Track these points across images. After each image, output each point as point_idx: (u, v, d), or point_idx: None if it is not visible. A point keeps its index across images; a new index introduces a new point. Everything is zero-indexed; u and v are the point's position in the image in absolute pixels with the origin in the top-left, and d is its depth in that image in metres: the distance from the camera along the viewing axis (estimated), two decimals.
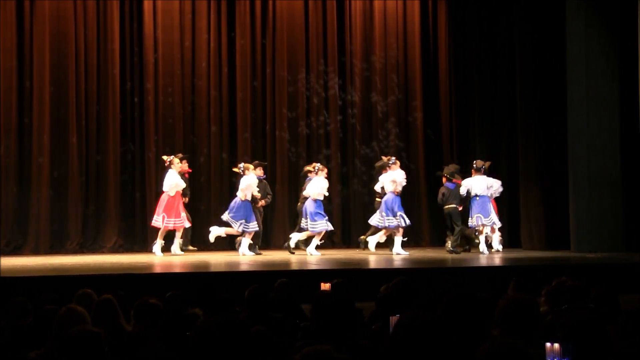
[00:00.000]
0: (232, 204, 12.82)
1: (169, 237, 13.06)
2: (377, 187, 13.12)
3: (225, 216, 12.74)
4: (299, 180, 13.94)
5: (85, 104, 14.16)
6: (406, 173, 14.48)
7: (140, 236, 14.23)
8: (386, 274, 9.18)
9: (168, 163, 12.94)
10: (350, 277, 8.31)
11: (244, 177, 12.80)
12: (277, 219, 14.70)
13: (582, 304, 5.24)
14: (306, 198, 12.93)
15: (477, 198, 12.69)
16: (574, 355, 3.42)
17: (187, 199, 13.21)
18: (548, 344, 3.43)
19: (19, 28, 13.91)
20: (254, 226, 12.72)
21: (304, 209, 12.81)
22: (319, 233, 12.72)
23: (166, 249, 12.98)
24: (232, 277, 9.50)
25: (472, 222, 12.70)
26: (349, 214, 15.09)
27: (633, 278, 9.52)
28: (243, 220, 12.66)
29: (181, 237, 13.01)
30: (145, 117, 14.40)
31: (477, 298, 3.90)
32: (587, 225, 12.64)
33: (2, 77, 13.73)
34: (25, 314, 5.31)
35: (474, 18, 14.96)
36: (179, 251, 12.87)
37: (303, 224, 12.81)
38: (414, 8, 15.46)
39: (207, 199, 14.55)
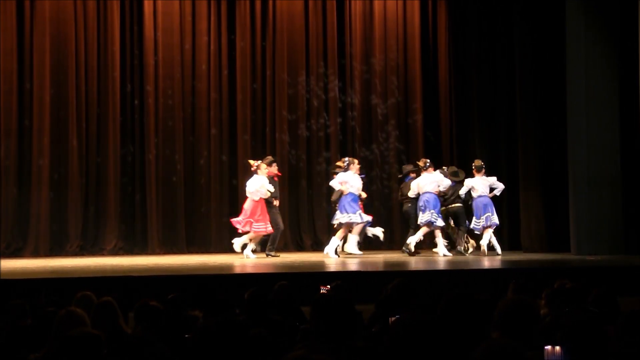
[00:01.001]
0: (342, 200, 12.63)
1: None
2: (462, 192, 12.90)
3: (338, 216, 12.55)
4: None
5: (85, 106, 14.17)
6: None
7: (140, 238, 14.23)
8: (386, 275, 9.17)
9: (255, 168, 12.79)
10: (350, 279, 8.31)
11: (344, 173, 12.67)
12: None
13: (582, 307, 5.24)
14: (409, 198, 12.77)
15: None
16: (572, 357, 3.42)
17: (277, 201, 13.04)
18: (547, 347, 3.43)
19: (19, 30, 13.93)
20: (356, 219, 12.52)
21: (424, 203, 12.50)
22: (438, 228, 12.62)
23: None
24: (232, 279, 9.50)
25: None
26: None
27: (633, 280, 9.51)
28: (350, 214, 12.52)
29: (254, 241, 12.74)
30: (146, 119, 14.41)
31: (477, 300, 3.91)
32: (586, 227, 12.61)
33: (2, 79, 13.75)
34: (24, 316, 5.31)
35: (474, 19, 14.96)
36: (251, 254, 12.59)
37: (420, 220, 12.57)
38: (413, 10, 15.47)
39: (207, 201, 14.55)
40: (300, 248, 14.55)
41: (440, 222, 12.56)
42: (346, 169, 12.74)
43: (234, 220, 12.87)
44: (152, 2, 14.46)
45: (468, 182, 12.90)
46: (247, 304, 5.46)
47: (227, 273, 10.57)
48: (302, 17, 15.05)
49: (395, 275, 8.78)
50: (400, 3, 15.45)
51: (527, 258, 12.38)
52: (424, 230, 12.65)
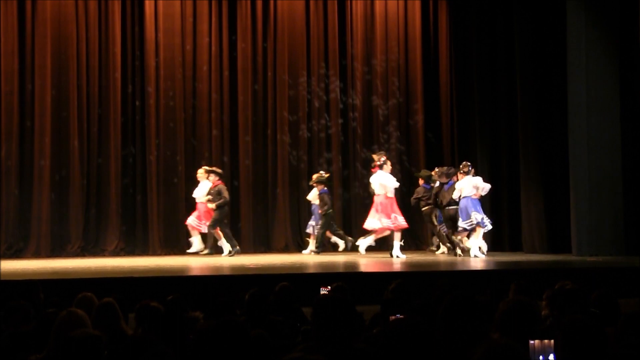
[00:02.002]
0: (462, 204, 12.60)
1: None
2: (456, 195, 12.93)
3: (473, 218, 12.54)
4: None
5: (86, 107, 14.19)
6: (407, 176, 14.53)
7: (141, 239, 14.25)
8: (387, 276, 9.17)
9: (381, 163, 12.71)
10: (351, 280, 8.30)
11: (470, 177, 12.66)
12: (278, 222, 14.69)
13: (583, 308, 5.23)
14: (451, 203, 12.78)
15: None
16: (560, 353, 3.43)
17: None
18: (531, 342, 3.44)
19: (20, 31, 13.95)
20: (473, 222, 12.47)
21: (476, 208, 12.57)
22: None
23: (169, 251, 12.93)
24: (233, 280, 9.50)
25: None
26: (350, 217, 15.09)
27: (634, 282, 9.49)
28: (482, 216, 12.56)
29: (401, 239, 12.75)
30: (147, 121, 14.42)
31: (477, 301, 3.91)
32: (587, 228, 12.61)
33: (3, 80, 13.77)
34: (27, 318, 5.30)
35: (474, 20, 14.95)
36: (400, 254, 12.53)
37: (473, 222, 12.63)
38: (414, 11, 15.47)
39: None
40: (301, 249, 14.55)
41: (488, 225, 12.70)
42: (467, 173, 12.70)
43: (383, 226, 12.66)
44: (153, 3, 14.48)
45: (458, 185, 12.94)
46: (248, 305, 5.46)
47: (228, 274, 10.56)
48: (303, 18, 15.06)
49: (395, 276, 8.78)
50: (401, 4, 15.45)
51: (528, 259, 12.38)
52: (480, 231, 12.66)
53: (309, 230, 14.00)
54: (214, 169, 13.63)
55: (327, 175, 13.80)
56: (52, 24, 14.04)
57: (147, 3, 14.46)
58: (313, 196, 13.90)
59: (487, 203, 13.26)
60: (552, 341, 3.47)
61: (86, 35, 14.22)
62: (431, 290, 6.02)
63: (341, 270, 10.99)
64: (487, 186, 12.80)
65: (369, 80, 15.31)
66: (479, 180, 12.76)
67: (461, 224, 12.54)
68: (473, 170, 12.87)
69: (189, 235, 13.97)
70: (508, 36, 14.33)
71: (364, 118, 15.27)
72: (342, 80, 15.22)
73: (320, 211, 13.63)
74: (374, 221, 12.79)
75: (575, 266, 11.27)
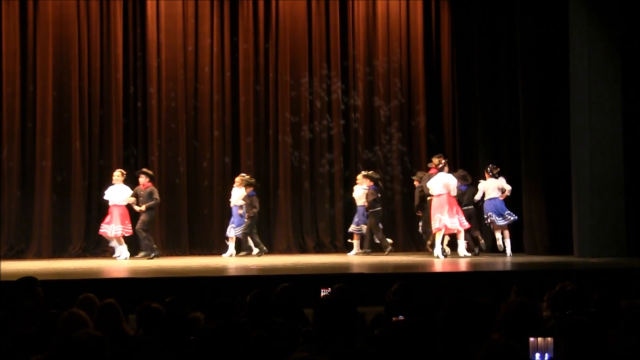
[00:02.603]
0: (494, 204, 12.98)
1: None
2: (478, 196, 13.25)
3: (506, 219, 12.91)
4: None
5: (88, 108, 14.19)
6: (408, 178, 14.56)
7: None
8: (388, 278, 9.16)
9: (442, 165, 12.77)
10: (352, 281, 8.31)
11: (492, 179, 12.98)
12: (280, 223, 14.69)
13: (584, 309, 5.23)
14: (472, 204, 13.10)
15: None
16: (560, 353, 3.44)
17: None
18: (532, 339, 3.45)
19: (22, 32, 13.96)
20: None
21: (497, 207, 12.90)
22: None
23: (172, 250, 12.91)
24: (234, 282, 9.51)
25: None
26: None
27: (635, 283, 9.49)
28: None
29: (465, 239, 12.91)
30: (148, 122, 14.42)
31: (478, 303, 3.91)
32: (589, 230, 12.60)
33: (5, 82, 13.78)
34: (30, 319, 5.30)
35: (477, 21, 14.95)
36: (466, 252, 12.72)
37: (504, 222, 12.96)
38: (416, 12, 15.47)
39: (209, 203, 14.56)
40: (302, 250, 14.56)
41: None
42: (493, 175, 13.04)
43: (457, 225, 12.66)
44: (154, 4, 14.49)
45: (481, 185, 13.06)
46: (250, 306, 5.46)
47: (230, 275, 10.57)
48: (304, 18, 15.06)
49: (397, 277, 8.76)
50: (403, 4, 15.45)
51: (530, 260, 12.37)
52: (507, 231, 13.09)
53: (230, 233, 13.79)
54: (144, 170, 13.47)
55: (248, 176, 13.77)
56: (54, 25, 14.04)
57: (148, 4, 14.47)
58: (238, 198, 13.76)
59: None
60: (551, 339, 3.48)
61: (88, 36, 14.22)
62: (433, 292, 6.02)
63: (343, 271, 10.99)
64: (509, 187, 13.13)
65: (371, 81, 15.31)
66: (503, 181, 13.05)
67: (499, 222, 12.93)
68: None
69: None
70: (510, 36, 14.32)
71: (366, 119, 15.27)
72: (343, 81, 15.22)
73: (240, 212, 13.60)
74: (449, 222, 12.72)
75: (576, 267, 11.27)
